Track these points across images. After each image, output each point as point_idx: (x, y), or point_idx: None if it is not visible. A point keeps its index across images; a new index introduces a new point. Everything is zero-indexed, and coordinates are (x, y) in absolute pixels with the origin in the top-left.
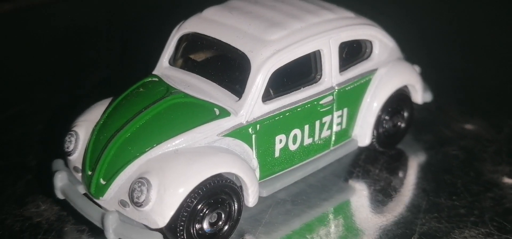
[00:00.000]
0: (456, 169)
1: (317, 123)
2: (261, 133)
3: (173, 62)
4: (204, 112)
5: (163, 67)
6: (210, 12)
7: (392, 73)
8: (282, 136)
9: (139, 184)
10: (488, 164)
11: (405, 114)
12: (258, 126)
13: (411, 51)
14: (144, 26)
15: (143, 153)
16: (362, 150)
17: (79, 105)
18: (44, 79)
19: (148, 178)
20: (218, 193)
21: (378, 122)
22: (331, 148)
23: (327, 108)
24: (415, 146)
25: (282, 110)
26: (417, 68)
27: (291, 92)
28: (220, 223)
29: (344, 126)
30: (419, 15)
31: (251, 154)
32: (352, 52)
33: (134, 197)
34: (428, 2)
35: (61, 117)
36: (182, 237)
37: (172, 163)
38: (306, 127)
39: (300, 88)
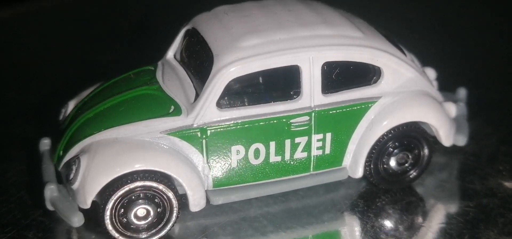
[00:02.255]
0: (453, 228)
1: (287, 142)
2: (212, 140)
3: (177, 54)
4: (160, 107)
5: (166, 58)
6: (217, 11)
7: (397, 106)
8: (240, 147)
9: (73, 162)
10: (495, 232)
11: (421, 153)
12: (208, 131)
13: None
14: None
15: (91, 135)
16: (366, 184)
17: None
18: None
19: (80, 158)
20: (147, 189)
21: (377, 157)
22: (312, 172)
23: (301, 128)
24: (430, 191)
25: (239, 121)
26: (452, 107)
27: (256, 104)
28: (149, 219)
29: (328, 151)
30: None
31: (202, 159)
32: (349, 75)
33: (67, 173)
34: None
35: None
36: (105, 222)
37: (103, 150)
38: (272, 143)
39: (270, 102)
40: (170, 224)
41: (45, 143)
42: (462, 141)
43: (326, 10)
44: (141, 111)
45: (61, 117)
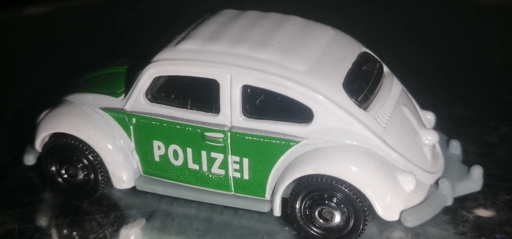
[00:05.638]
0: None
1: (203, 153)
2: (137, 128)
3: None
4: (115, 86)
5: None
6: (217, 13)
7: (318, 154)
8: (160, 144)
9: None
10: None
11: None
12: (134, 119)
13: None
14: None
15: (69, 94)
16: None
17: None
18: None
19: (46, 110)
20: (67, 150)
21: (300, 203)
22: (233, 192)
23: (216, 144)
24: None
25: (159, 118)
26: (409, 180)
27: (177, 106)
28: (77, 179)
29: (247, 177)
30: None
31: (131, 144)
32: (276, 106)
33: None
34: None
35: None
36: (45, 170)
37: (57, 109)
38: (189, 150)
39: (192, 109)
40: (93, 194)
41: None
42: (410, 222)
43: (303, 35)
44: (102, 85)
45: None
